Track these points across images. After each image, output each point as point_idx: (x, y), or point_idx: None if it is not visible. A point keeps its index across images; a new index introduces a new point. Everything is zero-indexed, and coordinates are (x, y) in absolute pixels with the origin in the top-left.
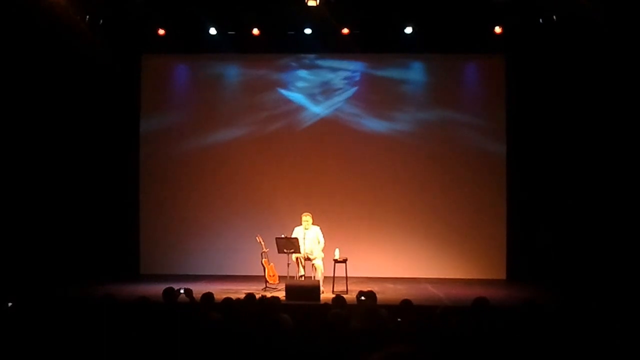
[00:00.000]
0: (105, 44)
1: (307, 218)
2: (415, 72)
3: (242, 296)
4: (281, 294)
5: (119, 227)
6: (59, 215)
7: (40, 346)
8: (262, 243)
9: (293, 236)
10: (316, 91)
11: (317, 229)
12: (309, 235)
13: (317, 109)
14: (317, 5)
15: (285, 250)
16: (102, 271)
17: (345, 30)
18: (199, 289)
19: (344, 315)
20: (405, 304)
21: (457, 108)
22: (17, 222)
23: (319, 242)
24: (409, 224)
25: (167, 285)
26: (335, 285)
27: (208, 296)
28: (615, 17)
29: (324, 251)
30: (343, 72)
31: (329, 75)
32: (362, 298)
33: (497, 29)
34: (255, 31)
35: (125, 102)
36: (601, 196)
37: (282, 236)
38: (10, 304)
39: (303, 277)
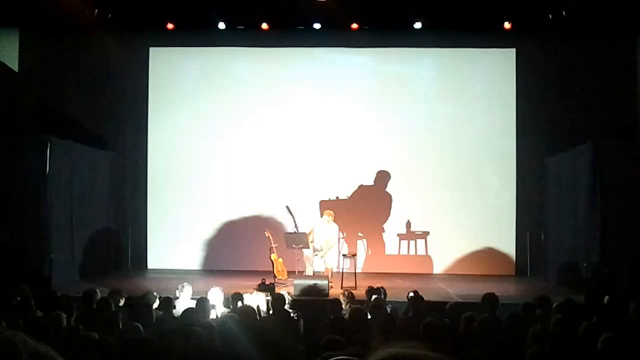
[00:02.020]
0: (114, 38)
1: (327, 217)
2: (424, 67)
3: (250, 292)
4: (290, 289)
5: (126, 222)
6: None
7: (42, 341)
8: (271, 238)
9: (315, 226)
10: (326, 86)
11: (334, 227)
12: (325, 231)
13: (327, 104)
14: (326, 0)
15: (294, 246)
16: (109, 266)
17: (355, 26)
18: (206, 285)
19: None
20: (416, 298)
21: (467, 103)
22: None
23: (328, 241)
24: (418, 219)
25: (171, 281)
26: (344, 281)
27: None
28: (622, 12)
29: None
30: (352, 67)
31: (338, 70)
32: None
33: (507, 25)
34: (264, 26)
35: (133, 96)
36: (609, 190)
37: (292, 231)
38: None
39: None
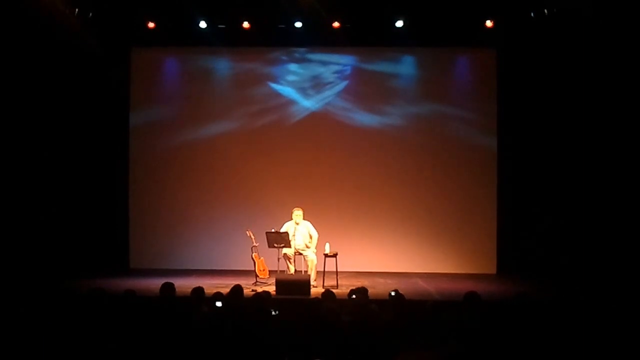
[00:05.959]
0: (94, 37)
1: (298, 212)
2: (406, 66)
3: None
4: (271, 289)
5: (109, 222)
6: (48, 210)
7: (28, 340)
8: (253, 237)
9: (283, 231)
10: (307, 85)
11: (307, 223)
12: (300, 230)
13: (308, 103)
14: None
15: (275, 245)
16: (91, 266)
17: (336, 24)
18: (189, 284)
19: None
20: (396, 297)
21: (448, 102)
22: (3, 217)
23: (310, 237)
24: (399, 218)
25: (156, 280)
26: (325, 280)
27: (198, 291)
28: (605, 11)
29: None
30: (334, 65)
31: (319, 69)
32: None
33: (489, 23)
34: (246, 24)
35: (114, 96)
36: (592, 190)
37: (273, 230)
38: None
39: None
